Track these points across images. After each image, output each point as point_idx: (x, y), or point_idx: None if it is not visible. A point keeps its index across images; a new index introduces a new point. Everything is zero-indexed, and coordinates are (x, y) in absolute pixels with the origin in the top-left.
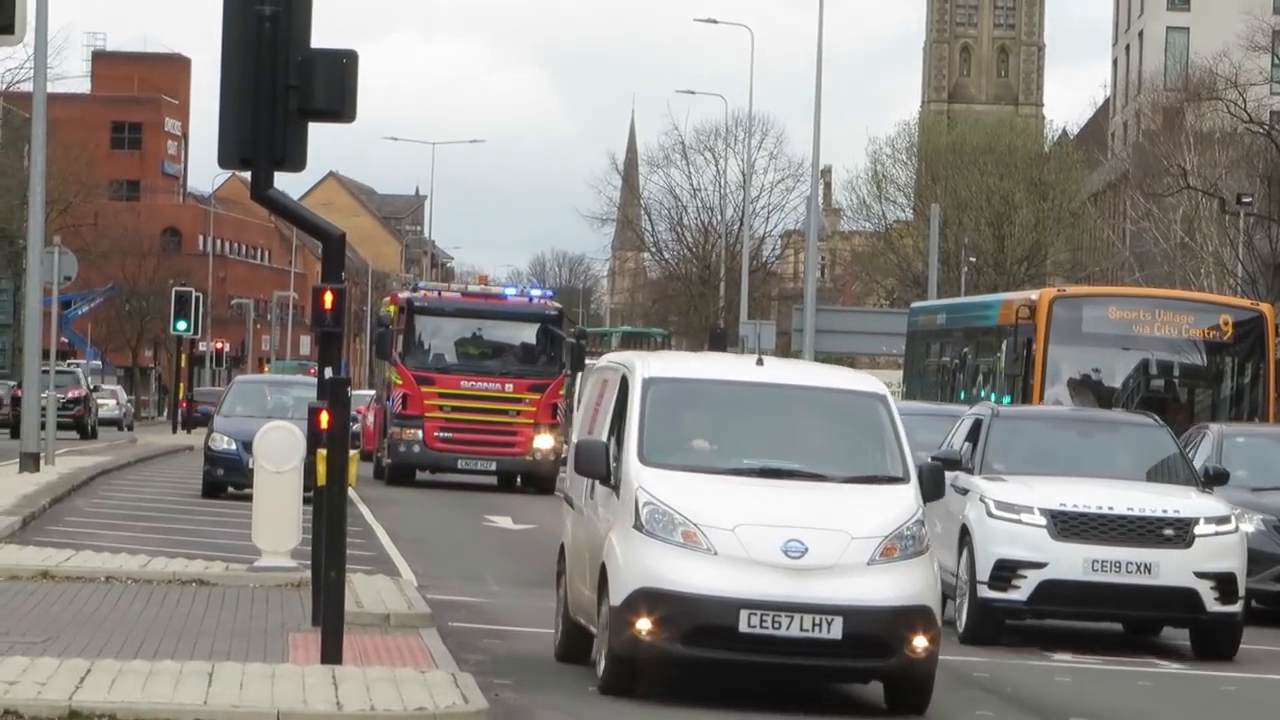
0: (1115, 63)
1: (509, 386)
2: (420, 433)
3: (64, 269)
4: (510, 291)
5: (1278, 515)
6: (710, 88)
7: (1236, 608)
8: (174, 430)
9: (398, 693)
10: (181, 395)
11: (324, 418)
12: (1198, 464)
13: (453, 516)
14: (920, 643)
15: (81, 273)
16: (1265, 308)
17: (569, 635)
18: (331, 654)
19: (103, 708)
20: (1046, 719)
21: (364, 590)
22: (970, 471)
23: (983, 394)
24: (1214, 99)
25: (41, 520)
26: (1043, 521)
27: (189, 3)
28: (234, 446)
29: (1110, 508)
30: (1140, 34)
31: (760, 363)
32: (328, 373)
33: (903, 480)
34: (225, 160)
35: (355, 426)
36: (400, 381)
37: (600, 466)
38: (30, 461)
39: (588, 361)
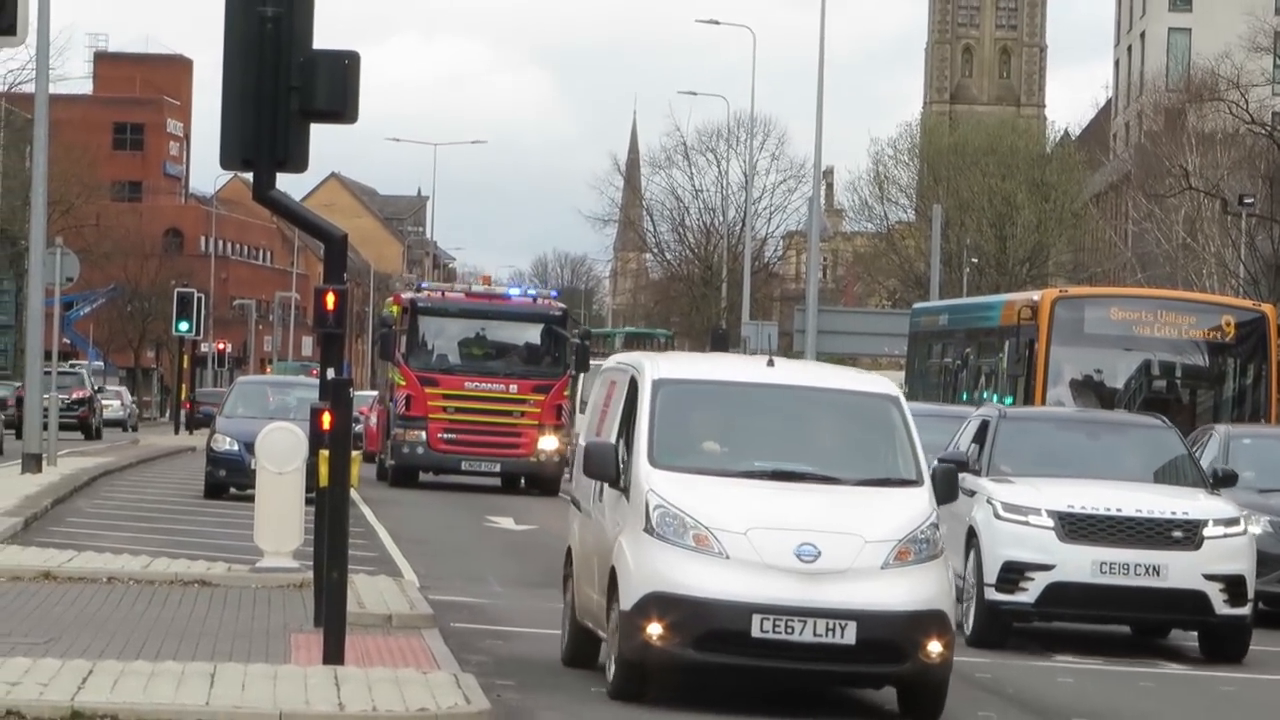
0: (1117, 64)
1: (513, 387)
2: (424, 434)
3: (66, 270)
4: (514, 292)
5: None
6: (712, 88)
7: (1246, 610)
8: (176, 431)
9: (400, 693)
10: (184, 396)
11: (326, 419)
12: (1205, 465)
13: (455, 517)
14: (935, 648)
15: (83, 274)
16: (1267, 308)
17: (576, 639)
18: (334, 655)
19: (105, 709)
20: (1048, 719)
21: (366, 591)
22: (977, 473)
23: (985, 395)
24: (1216, 100)
25: (43, 521)
26: (1050, 523)
27: (191, 4)
28: (236, 447)
29: (1118, 509)
30: (1142, 35)
31: (771, 364)
32: (330, 374)
33: (916, 483)
34: (227, 161)
35: (357, 428)
36: (404, 382)
37: (610, 469)
38: (32, 462)
39: (592, 362)
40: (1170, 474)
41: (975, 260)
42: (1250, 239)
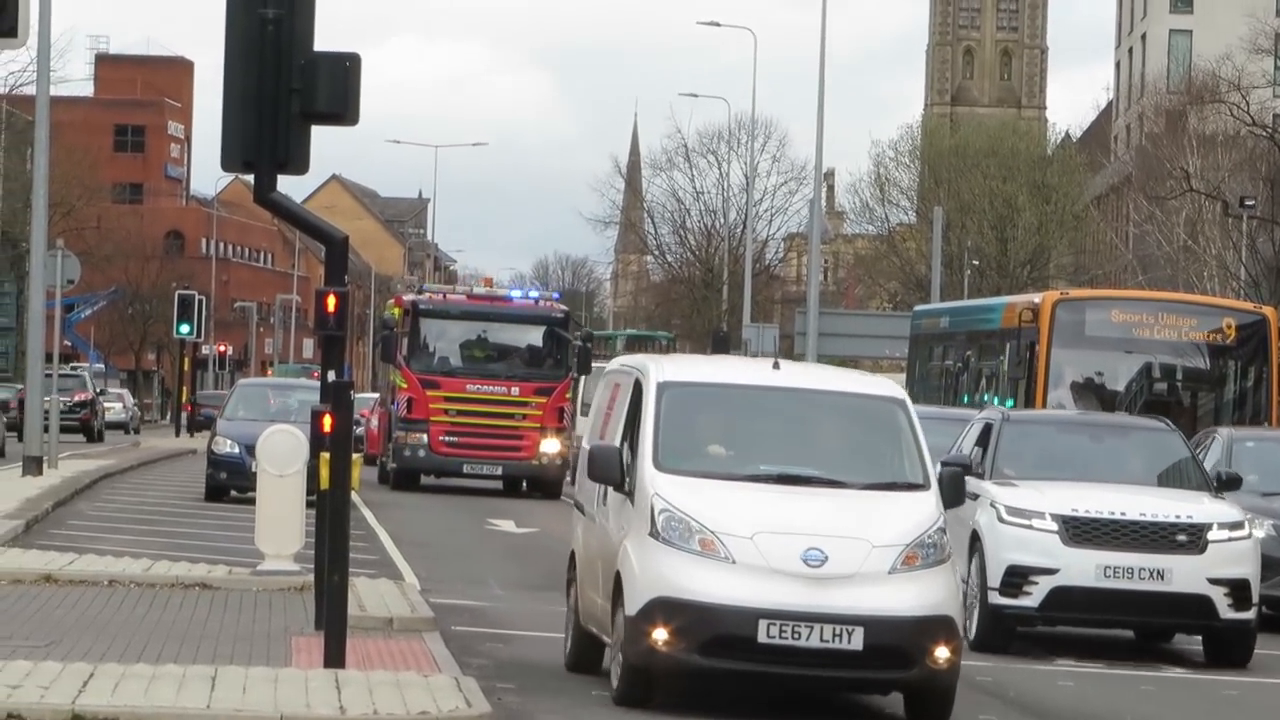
0: (1118, 65)
1: (515, 390)
2: (425, 437)
3: (67, 272)
4: (516, 294)
5: None
6: (713, 90)
7: (1250, 614)
8: (177, 434)
9: (401, 697)
10: (184, 399)
11: (327, 421)
12: (1208, 469)
13: (456, 520)
14: (942, 653)
15: (84, 276)
16: (1268, 311)
17: (580, 644)
18: (334, 658)
19: (106, 712)
20: None
21: (367, 594)
22: (980, 476)
23: (985, 397)
24: (1217, 102)
25: (44, 524)
26: (1054, 527)
27: (192, 6)
28: (237, 450)
29: (1122, 513)
30: (1143, 37)
31: (777, 366)
32: (331, 376)
33: (923, 487)
34: (228, 163)
35: (358, 430)
36: (405, 385)
37: (614, 473)
38: (33, 465)
39: (594, 364)
40: (1174, 477)
41: (976, 262)
42: (1251, 241)
